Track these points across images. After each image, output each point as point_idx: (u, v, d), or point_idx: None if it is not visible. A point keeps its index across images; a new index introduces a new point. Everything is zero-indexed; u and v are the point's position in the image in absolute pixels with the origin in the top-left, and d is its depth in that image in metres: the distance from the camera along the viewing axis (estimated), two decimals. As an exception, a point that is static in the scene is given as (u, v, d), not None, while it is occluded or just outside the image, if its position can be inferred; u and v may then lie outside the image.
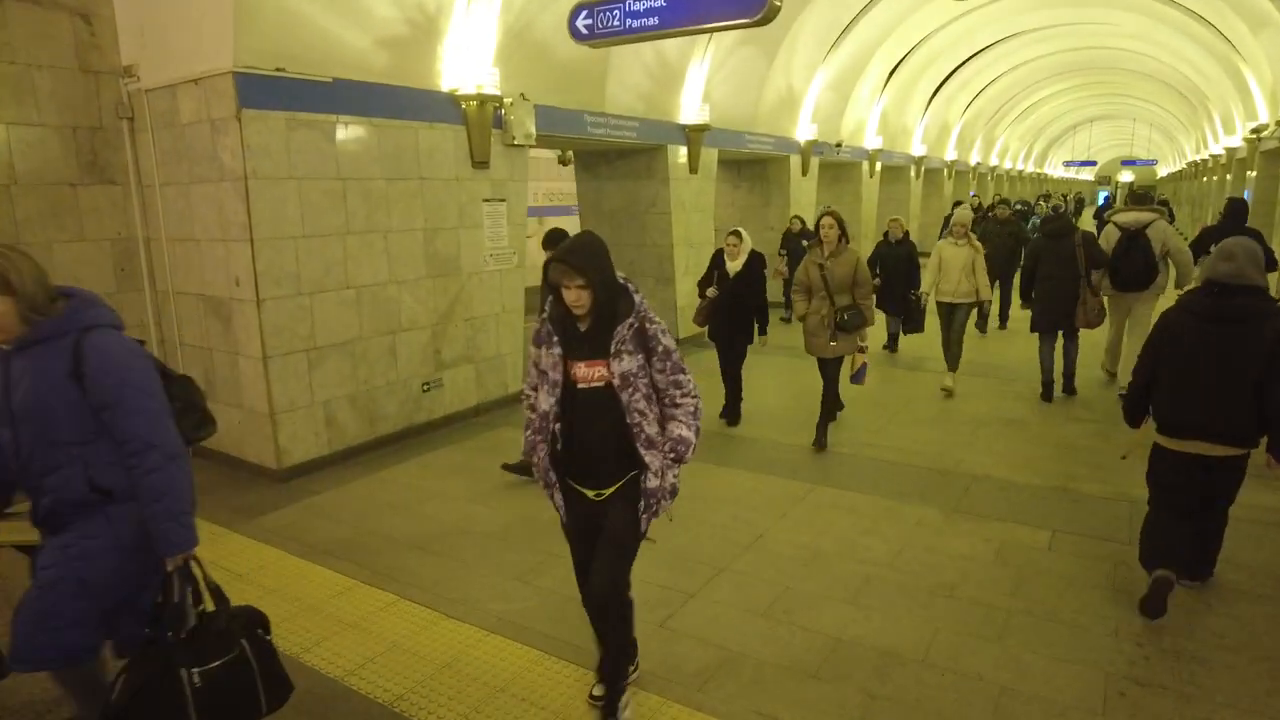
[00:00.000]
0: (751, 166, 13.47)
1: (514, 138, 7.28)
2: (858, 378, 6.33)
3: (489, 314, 7.42)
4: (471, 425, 7.12)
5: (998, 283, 10.52)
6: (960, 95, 21.02)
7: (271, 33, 5.39)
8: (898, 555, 4.38)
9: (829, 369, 6.22)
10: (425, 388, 6.88)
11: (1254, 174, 13.28)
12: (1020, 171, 35.35)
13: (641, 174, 10.06)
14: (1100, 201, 34.24)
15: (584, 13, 5.81)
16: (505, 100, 7.17)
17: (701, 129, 10.13)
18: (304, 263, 5.81)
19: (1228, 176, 16.68)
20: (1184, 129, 29.86)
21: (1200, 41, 14.66)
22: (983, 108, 23.66)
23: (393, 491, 5.57)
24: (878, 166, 16.87)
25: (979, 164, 25.98)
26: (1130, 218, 6.87)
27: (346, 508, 5.31)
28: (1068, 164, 44.45)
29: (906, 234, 9.07)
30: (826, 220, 6.00)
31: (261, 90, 5.37)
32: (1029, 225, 14.06)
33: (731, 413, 7.01)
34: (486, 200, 7.25)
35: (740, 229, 6.71)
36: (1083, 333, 7.28)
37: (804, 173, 13.59)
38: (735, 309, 6.58)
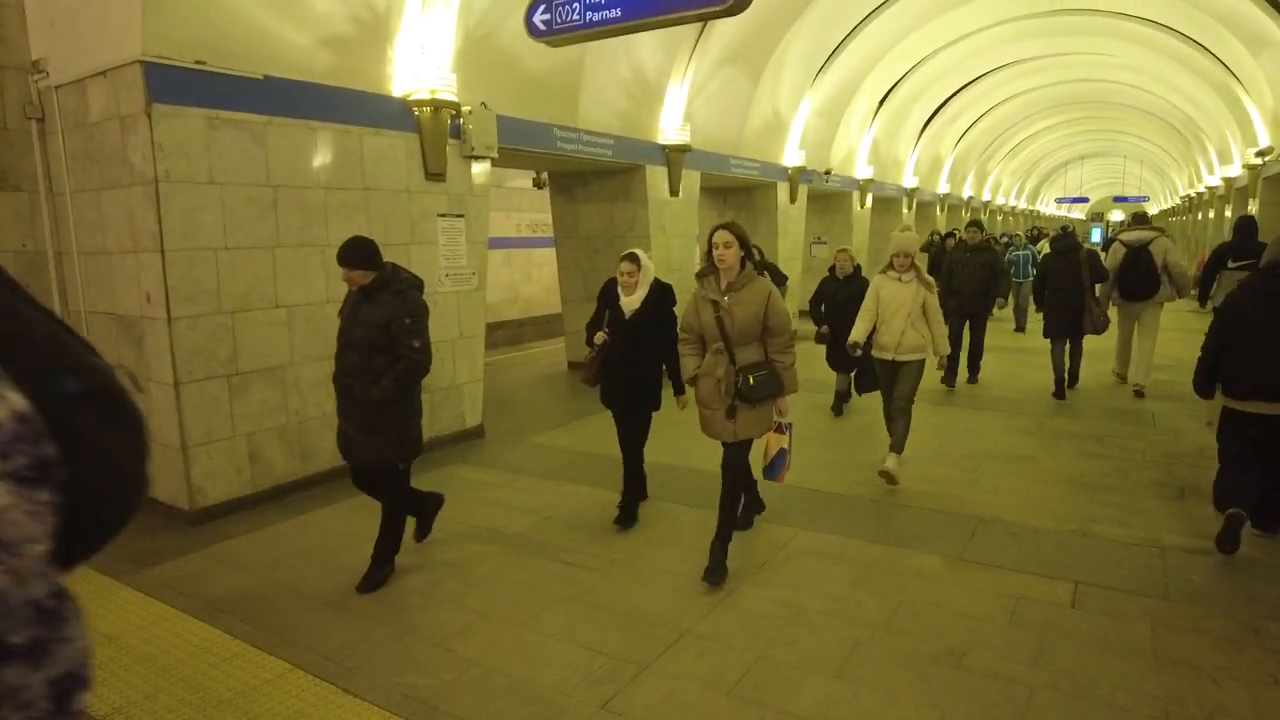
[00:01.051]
0: (737, 194, 12.99)
1: (473, 148, 6.73)
2: (773, 471, 4.29)
3: (444, 339, 6.78)
4: (422, 463, 6.40)
5: (967, 325, 8.58)
6: (952, 128, 20.77)
7: (190, 20, 4.84)
8: (893, 614, 3.68)
9: (730, 458, 4.07)
10: (369, 419, 6.19)
11: (1256, 201, 12.86)
12: (1013, 208, 35.20)
13: (619, 196, 9.53)
14: (1094, 239, 34.00)
15: (541, 7, 5.31)
16: (463, 108, 6.64)
17: (682, 150, 9.64)
18: (225, 277, 5.18)
19: (1226, 208, 16.29)
20: (1176, 164, 29.74)
21: (1195, 69, 14.37)
22: (975, 141, 23.44)
23: (314, 537, 4.86)
24: (869, 197, 16.45)
25: (971, 198, 25.69)
26: (1135, 236, 7.76)
27: (258, 555, 4.60)
28: (1060, 201, 44.46)
29: (858, 269, 7.38)
30: (721, 236, 3.91)
31: (176, 83, 4.80)
32: (1008, 256, 13.24)
33: (626, 513, 4.86)
34: (442, 215, 6.67)
35: (638, 251, 4.83)
36: (1092, 343, 8.48)
37: (792, 200, 13.11)
38: (633, 361, 4.68)
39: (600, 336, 4.78)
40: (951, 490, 5.42)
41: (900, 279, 5.54)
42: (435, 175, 6.53)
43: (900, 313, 5.46)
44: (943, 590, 3.92)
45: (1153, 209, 44.09)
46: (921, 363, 5.56)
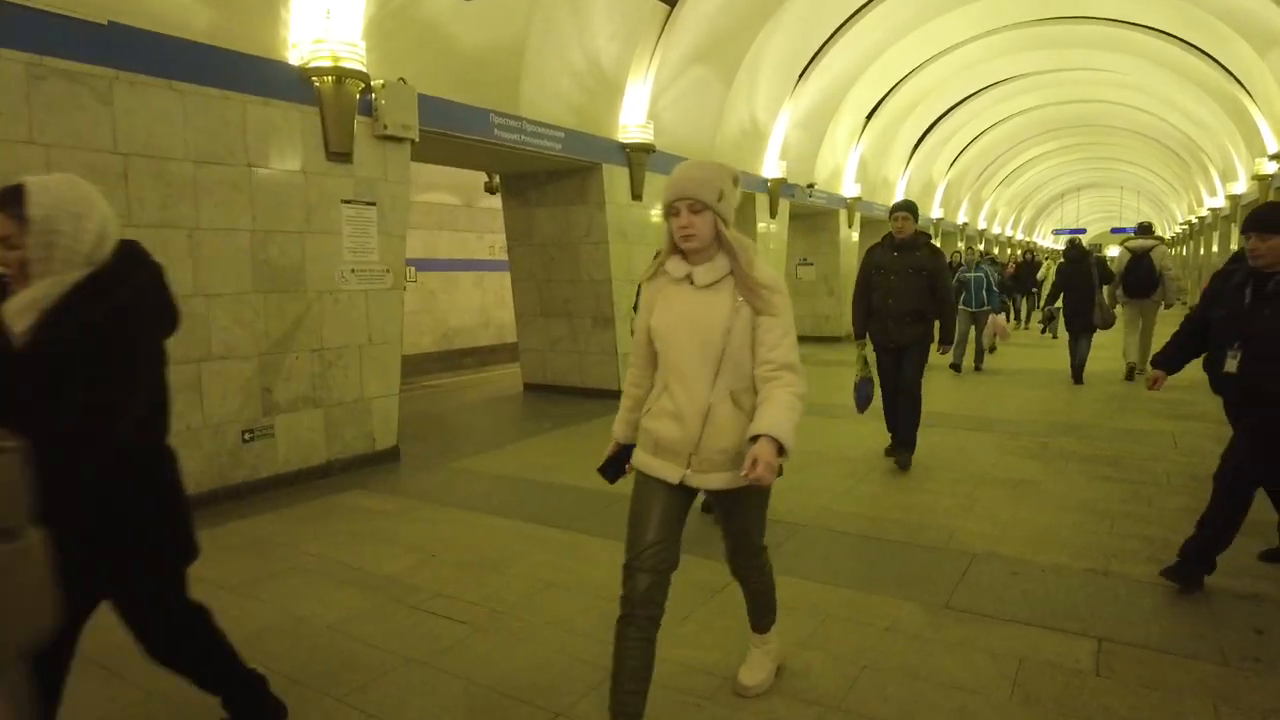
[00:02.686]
0: (714, 206, 12.15)
1: (385, 127, 5.87)
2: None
3: (348, 345, 5.85)
4: (315, 488, 5.43)
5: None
6: (944, 150, 20.09)
7: (5, -54, 4.01)
8: (852, 685, 2.68)
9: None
10: (247, 437, 5.23)
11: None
12: (1009, 238, 34.53)
13: (574, 198, 8.68)
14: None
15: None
16: (375, 82, 5.80)
17: (644, 149, 8.82)
18: (52, 259, 4.26)
19: (1232, 227, 15.48)
20: (1174, 192, 29.14)
21: (1197, 79, 13.68)
22: (968, 166, 22.78)
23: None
24: (857, 216, 15.65)
25: (966, 224, 24.96)
26: (1138, 243, 9.04)
27: None
28: (1057, 232, 43.89)
29: None
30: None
31: (-18, 19, 3.95)
32: (957, 276, 10.11)
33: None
34: (347, 202, 5.79)
35: None
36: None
37: (772, 214, 12.29)
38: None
39: None
40: (939, 520, 4.43)
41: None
42: (339, 155, 5.66)
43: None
44: (922, 651, 2.91)
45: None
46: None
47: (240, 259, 5.15)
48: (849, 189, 15.30)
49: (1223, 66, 12.33)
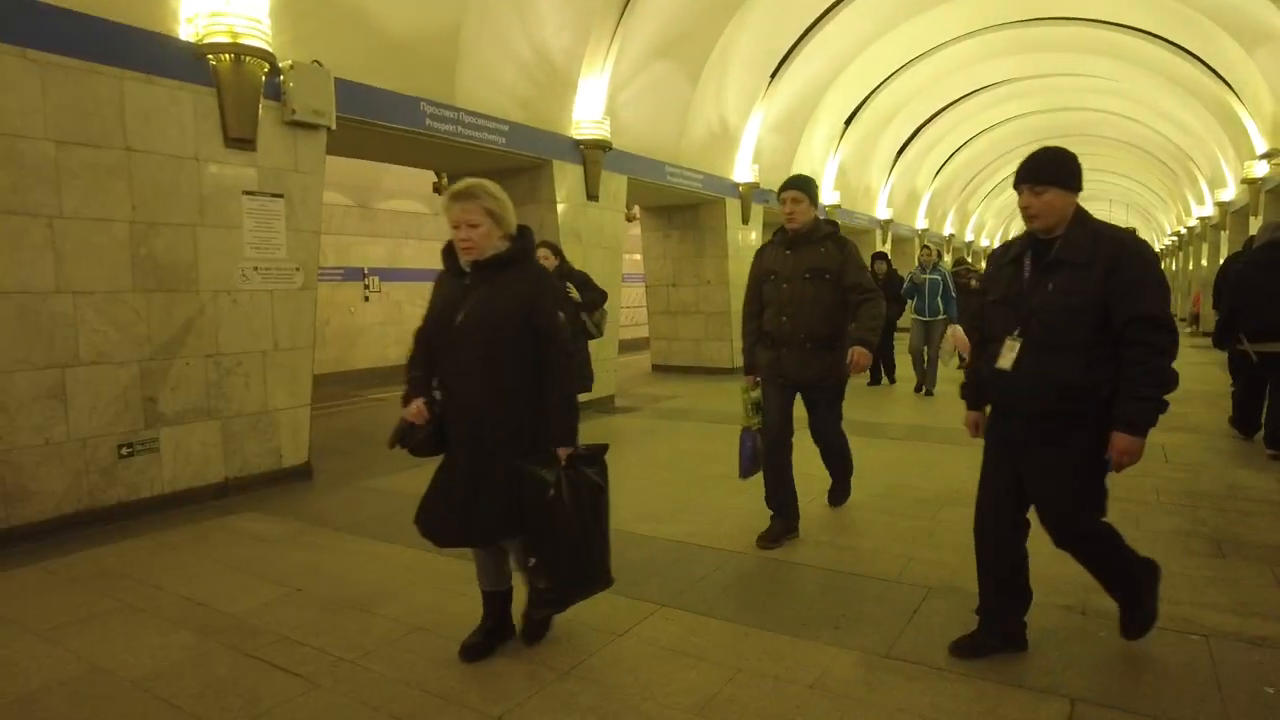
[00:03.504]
0: (683, 212, 11.67)
1: (294, 112, 5.34)
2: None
3: (250, 350, 5.27)
4: (206, 510, 4.83)
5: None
6: (928, 159, 19.68)
7: None
8: (754, 766, 2.10)
9: None
10: (125, 452, 4.64)
11: (1259, 220, 11.59)
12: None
13: (524, 197, 8.14)
14: None
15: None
16: (283, 63, 5.27)
17: (600, 146, 8.30)
18: None
19: (1222, 235, 15.06)
20: (1163, 204, 28.83)
21: (1184, 83, 13.28)
22: (954, 176, 22.40)
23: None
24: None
25: (953, 236, 24.55)
26: None
27: None
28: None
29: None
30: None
31: None
32: (908, 283, 9.20)
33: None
34: (250, 193, 5.23)
35: None
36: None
37: (744, 220, 11.78)
38: None
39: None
40: (893, 546, 3.86)
41: None
42: (239, 142, 5.11)
43: None
44: (853, 713, 2.33)
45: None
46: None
47: (117, 253, 4.58)
48: (827, 197, 14.82)
49: (1210, 68, 11.93)
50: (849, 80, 13.28)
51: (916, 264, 9.30)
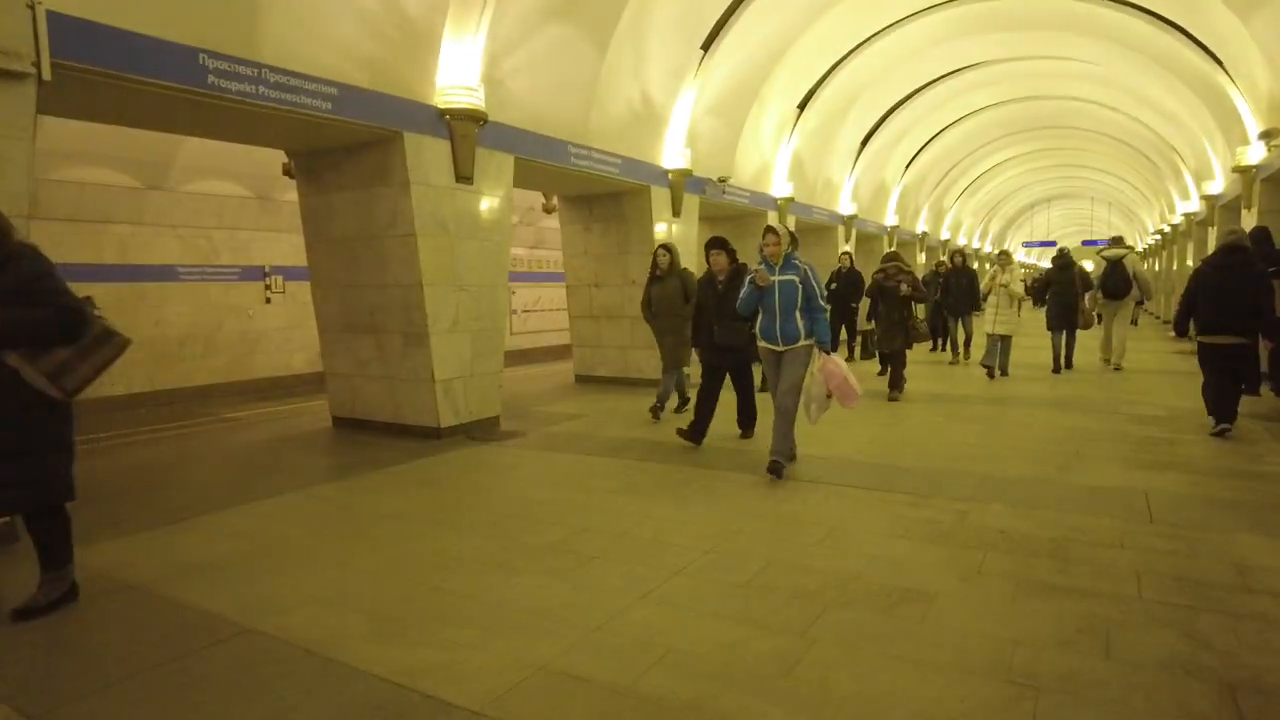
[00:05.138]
0: (605, 202, 10.24)
1: (-37, 47, 3.88)
2: None
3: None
4: None
5: None
6: (897, 151, 18.35)
7: None
8: None
9: None
10: None
11: (1253, 212, 10.29)
12: (977, 250, 32.94)
13: (374, 178, 6.71)
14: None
15: None
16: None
17: (473, 118, 6.86)
18: None
19: (1210, 230, 13.79)
20: (1145, 201, 27.69)
21: (1169, 63, 11.99)
22: (926, 170, 21.08)
23: None
24: (790, 220, 13.79)
25: (926, 234, 23.25)
26: (1111, 252, 10.20)
27: None
28: (1027, 244, 42.53)
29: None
30: None
31: None
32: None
33: None
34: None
35: None
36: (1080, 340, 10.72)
37: (675, 212, 10.37)
38: None
39: None
40: (729, 697, 2.44)
41: None
42: None
43: None
44: None
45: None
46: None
47: None
48: (780, 188, 13.45)
49: (1198, 42, 10.63)
50: (798, 59, 11.90)
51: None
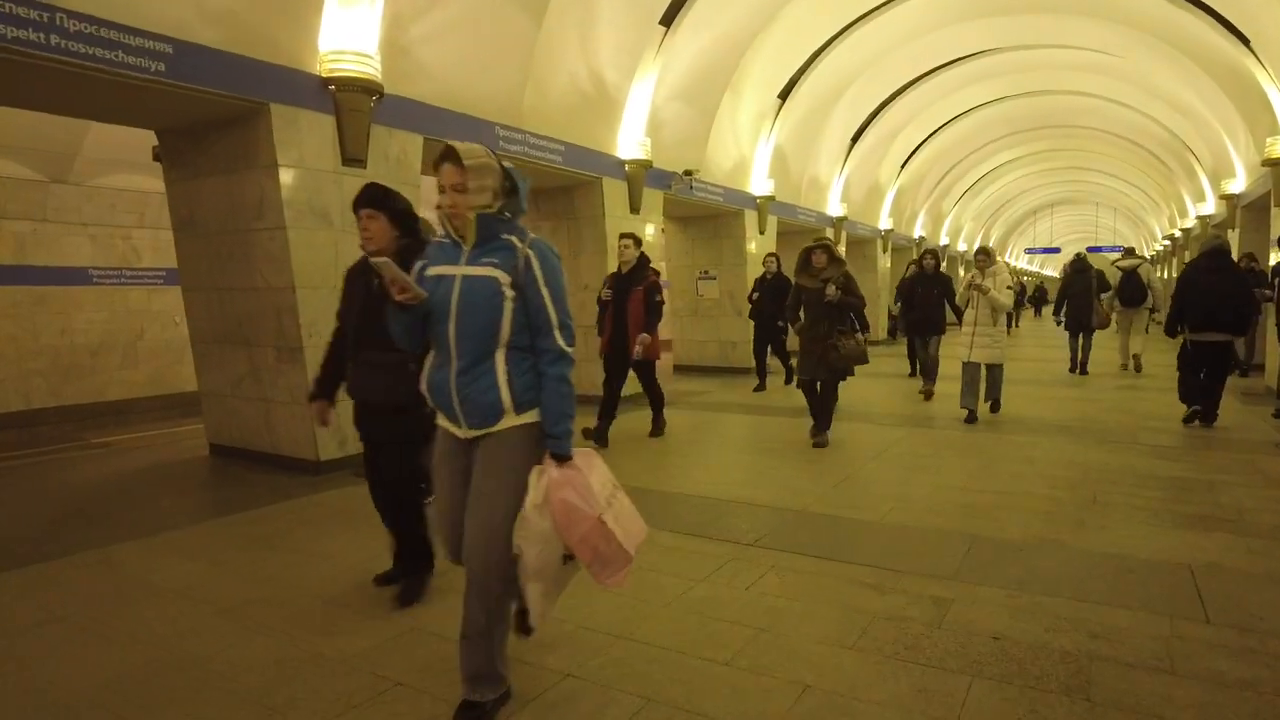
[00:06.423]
0: (554, 197, 9.10)
1: None
2: None
3: None
4: None
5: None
6: (891, 149, 17.14)
7: None
8: None
9: None
10: None
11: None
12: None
13: (239, 160, 5.56)
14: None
15: None
16: None
17: (365, 89, 5.72)
18: None
19: (1230, 234, 12.60)
20: (1154, 205, 26.49)
21: (1187, 47, 10.83)
22: (923, 171, 19.90)
23: None
24: (771, 220, 12.63)
25: (923, 238, 22.04)
26: (1126, 263, 10.64)
27: None
28: (1030, 251, 41.34)
29: None
30: None
31: None
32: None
33: None
34: None
35: None
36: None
37: (634, 209, 9.22)
38: None
39: None
40: None
41: None
42: None
43: None
44: None
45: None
46: None
47: None
48: (759, 186, 12.29)
49: (1222, 20, 9.49)
50: (778, 41, 10.78)
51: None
